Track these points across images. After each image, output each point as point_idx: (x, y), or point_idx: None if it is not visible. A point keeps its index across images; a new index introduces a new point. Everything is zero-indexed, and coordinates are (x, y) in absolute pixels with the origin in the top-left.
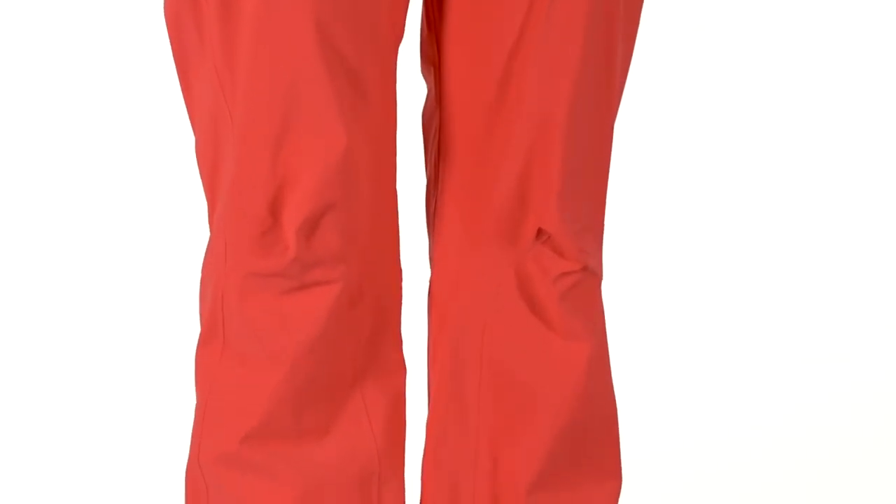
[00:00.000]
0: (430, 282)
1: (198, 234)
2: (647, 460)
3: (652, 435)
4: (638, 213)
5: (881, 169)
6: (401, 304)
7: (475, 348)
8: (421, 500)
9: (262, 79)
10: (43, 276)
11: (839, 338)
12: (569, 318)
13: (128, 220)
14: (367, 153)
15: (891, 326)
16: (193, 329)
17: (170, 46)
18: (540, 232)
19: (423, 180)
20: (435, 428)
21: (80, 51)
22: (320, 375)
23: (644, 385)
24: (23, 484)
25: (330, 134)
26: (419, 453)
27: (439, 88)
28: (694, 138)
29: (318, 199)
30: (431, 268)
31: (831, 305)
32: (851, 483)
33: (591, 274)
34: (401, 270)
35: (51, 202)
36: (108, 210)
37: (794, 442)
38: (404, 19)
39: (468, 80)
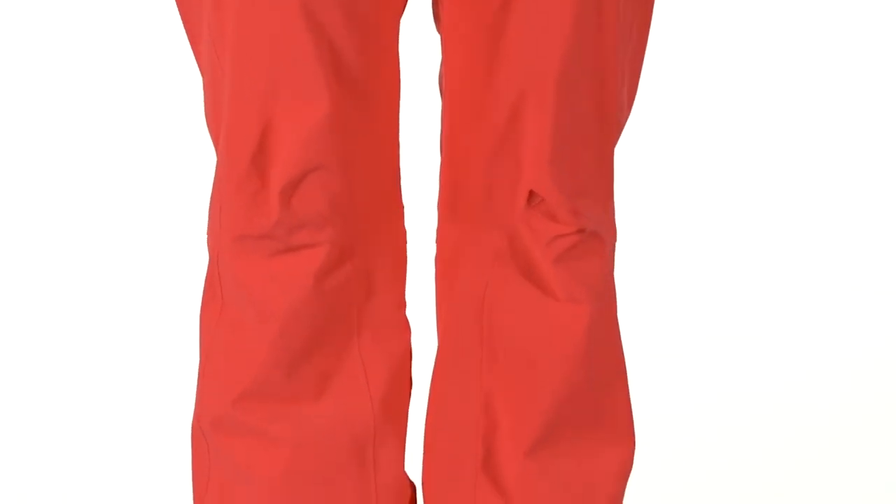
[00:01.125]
0: (436, 245)
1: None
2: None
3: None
4: (652, 200)
5: (884, 169)
6: (404, 266)
7: (475, 312)
8: (423, 464)
9: (247, 42)
10: (43, 252)
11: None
12: (566, 281)
13: (129, 192)
14: (357, 118)
15: (891, 325)
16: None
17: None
18: (532, 195)
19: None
20: (437, 392)
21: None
22: (312, 336)
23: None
24: (27, 460)
25: (312, 98)
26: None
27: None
28: (704, 134)
29: (301, 162)
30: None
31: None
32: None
33: (592, 236)
34: (404, 233)
35: (51, 181)
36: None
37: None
38: None
39: (463, 32)
